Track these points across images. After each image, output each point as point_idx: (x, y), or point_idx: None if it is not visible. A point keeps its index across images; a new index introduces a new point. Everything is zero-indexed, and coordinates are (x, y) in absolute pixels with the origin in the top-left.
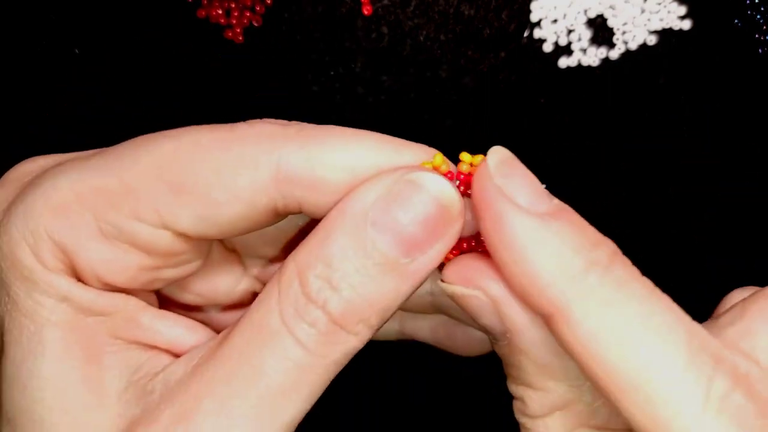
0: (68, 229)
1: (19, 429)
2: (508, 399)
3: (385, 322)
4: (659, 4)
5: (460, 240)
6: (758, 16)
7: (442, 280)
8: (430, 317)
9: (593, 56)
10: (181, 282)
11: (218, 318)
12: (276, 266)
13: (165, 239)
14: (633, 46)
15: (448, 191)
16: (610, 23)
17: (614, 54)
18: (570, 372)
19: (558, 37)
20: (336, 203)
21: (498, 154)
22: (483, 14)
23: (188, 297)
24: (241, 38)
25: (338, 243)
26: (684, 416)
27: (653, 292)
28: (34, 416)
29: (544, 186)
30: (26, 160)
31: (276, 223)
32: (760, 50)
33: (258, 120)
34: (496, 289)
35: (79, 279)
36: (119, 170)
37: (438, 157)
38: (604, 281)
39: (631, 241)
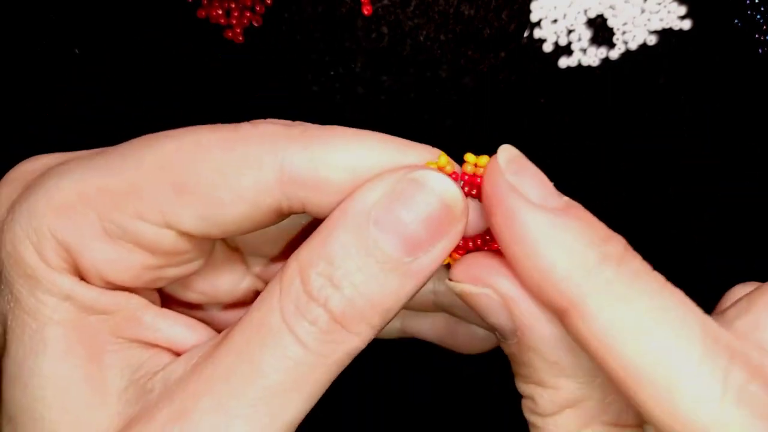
0: (72, 228)
1: (20, 427)
2: (510, 397)
3: (387, 323)
4: (659, 4)
5: (465, 240)
6: (758, 16)
7: (450, 279)
8: (432, 315)
9: (593, 56)
10: (183, 280)
11: (220, 317)
12: (278, 265)
13: (168, 239)
14: (633, 46)
15: (452, 190)
16: (610, 23)
17: (614, 54)
18: (581, 368)
19: (558, 37)
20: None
21: (508, 152)
22: (483, 14)
23: (190, 295)
24: (241, 38)
25: (340, 241)
26: (703, 408)
27: (665, 286)
28: (35, 414)
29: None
30: (29, 159)
31: (279, 222)
32: (760, 50)
33: (261, 120)
34: (506, 285)
35: (82, 278)
36: (123, 170)
37: (443, 158)
38: (618, 275)
39: (632, 241)
